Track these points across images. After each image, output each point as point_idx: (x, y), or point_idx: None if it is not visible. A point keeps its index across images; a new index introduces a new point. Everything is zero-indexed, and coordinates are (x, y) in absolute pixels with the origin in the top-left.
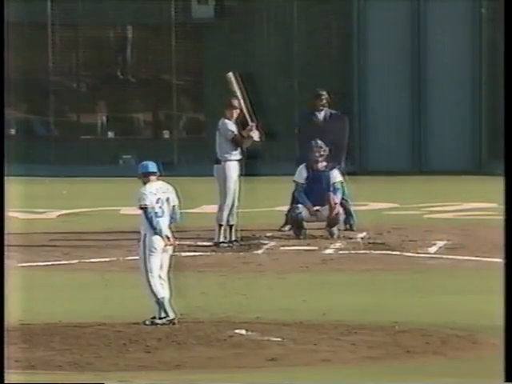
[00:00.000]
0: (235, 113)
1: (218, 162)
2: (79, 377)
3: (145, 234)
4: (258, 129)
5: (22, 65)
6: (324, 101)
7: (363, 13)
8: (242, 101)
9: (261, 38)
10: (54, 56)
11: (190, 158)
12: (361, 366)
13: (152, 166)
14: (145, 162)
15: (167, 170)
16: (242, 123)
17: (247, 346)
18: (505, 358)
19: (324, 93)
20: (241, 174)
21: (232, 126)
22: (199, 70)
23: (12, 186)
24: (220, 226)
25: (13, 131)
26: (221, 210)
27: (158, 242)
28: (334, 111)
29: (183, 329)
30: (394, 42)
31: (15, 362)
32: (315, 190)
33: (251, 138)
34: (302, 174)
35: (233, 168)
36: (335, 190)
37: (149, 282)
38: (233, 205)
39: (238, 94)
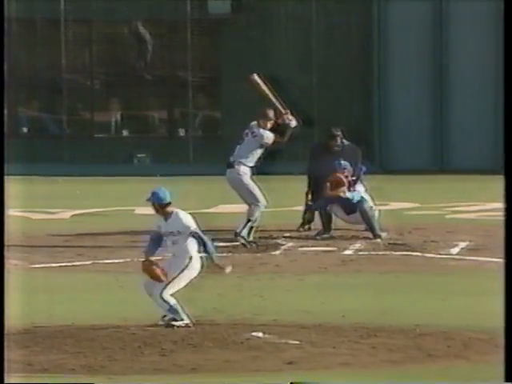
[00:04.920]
0: (269, 124)
1: (230, 166)
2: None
3: (191, 257)
4: (292, 115)
5: (35, 62)
6: (339, 141)
7: (384, 9)
8: (271, 95)
9: (278, 34)
10: (68, 53)
11: (206, 157)
12: (381, 370)
13: (168, 196)
14: (160, 192)
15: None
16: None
17: (264, 348)
18: (505, 358)
19: (339, 133)
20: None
21: (270, 133)
22: (215, 67)
23: (24, 185)
24: (249, 220)
25: (25, 130)
26: (253, 207)
27: (198, 267)
28: (347, 142)
29: (199, 331)
30: (415, 40)
31: (27, 366)
32: (343, 200)
33: (289, 126)
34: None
35: (247, 171)
36: (362, 203)
37: (163, 292)
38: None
39: (267, 92)
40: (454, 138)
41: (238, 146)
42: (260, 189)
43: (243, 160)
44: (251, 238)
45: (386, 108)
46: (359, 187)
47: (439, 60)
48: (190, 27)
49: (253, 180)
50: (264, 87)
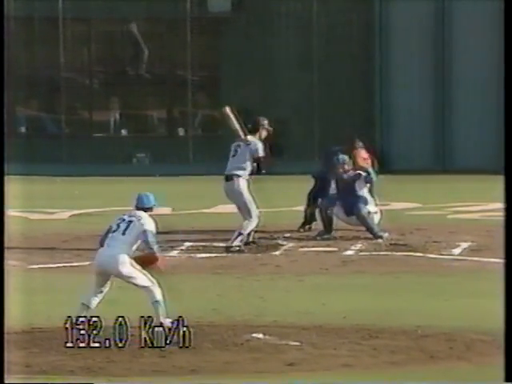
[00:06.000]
0: (264, 133)
1: (228, 179)
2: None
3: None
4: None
5: (33, 61)
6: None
7: (385, 8)
8: (240, 131)
9: (279, 33)
10: (66, 52)
11: (206, 156)
12: (382, 372)
13: (153, 200)
14: (145, 197)
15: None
16: None
17: (265, 350)
18: (505, 358)
19: (360, 144)
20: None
21: (261, 144)
22: (215, 66)
23: (22, 185)
24: (240, 234)
25: (23, 129)
26: (248, 221)
27: None
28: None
29: (199, 332)
30: (417, 39)
31: (26, 367)
32: (343, 200)
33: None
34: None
35: (245, 182)
36: (361, 199)
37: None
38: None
39: (237, 127)
40: (456, 137)
41: (231, 159)
42: (256, 206)
43: (240, 172)
44: (251, 239)
45: (388, 108)
46: (363, 188)
47: (441, 60)
48: (189, 26)
49: (251, 194)
50: (233, 120)
